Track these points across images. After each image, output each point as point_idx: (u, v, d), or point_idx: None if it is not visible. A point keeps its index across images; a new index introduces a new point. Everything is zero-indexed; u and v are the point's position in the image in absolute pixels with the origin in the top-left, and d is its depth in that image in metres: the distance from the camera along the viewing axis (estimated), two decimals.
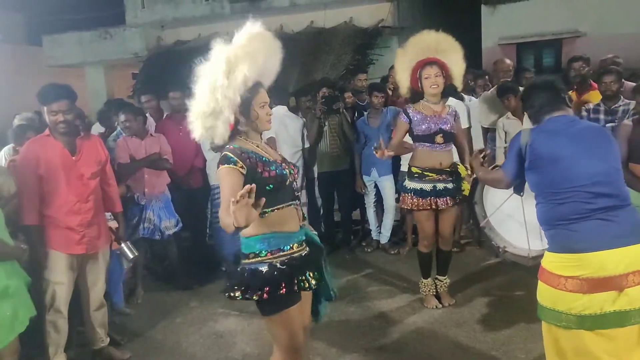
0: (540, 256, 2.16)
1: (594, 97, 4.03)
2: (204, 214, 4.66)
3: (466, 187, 3.46)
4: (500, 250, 3.23)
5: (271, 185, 2.01)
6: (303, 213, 2.20)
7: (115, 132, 4.39)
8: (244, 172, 1.97)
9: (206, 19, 10.78)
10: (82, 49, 12.66)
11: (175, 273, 4.32)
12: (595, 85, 4.05)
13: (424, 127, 3.37)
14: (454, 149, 3.53)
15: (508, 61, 4.64)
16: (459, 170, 3.43)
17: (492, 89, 4.49)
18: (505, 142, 4.20)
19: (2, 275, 2.37)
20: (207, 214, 4.65)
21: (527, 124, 4.10)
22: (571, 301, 1.94)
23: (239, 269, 2.07)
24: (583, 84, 4.30)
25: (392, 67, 5.63)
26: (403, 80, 3.41)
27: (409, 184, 3.48)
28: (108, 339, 3.16)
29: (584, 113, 3.81)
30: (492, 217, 3.23)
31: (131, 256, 3.38)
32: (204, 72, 2.00)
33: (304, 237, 2.15)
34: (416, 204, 3.43)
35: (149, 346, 3.37)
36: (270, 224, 2.04)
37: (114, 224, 3.31)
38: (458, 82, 3.42)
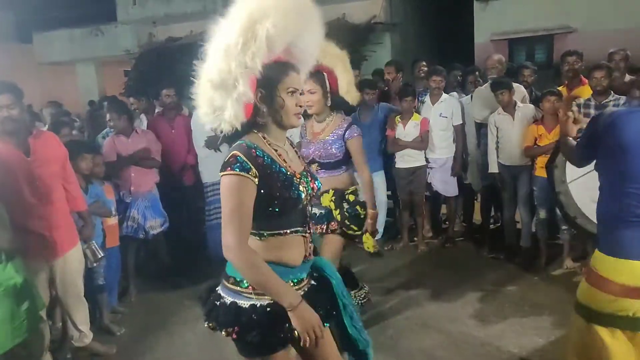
0: None
1: (585, 92, 4.05)
2: (197, 212, 4.65)
3: (369, 243, 2.97)
4: (572, 219, 2.86)
5: (277, 209, 1.58)
6: (312, 244, 1.75)
7: (104, 131, 4.37)
8: (257, 183, 1.53)
9: (198, 16, 10.72)
10: (73, 46, 12.57)
11: (167, 272, 4.31)
12: (586, 80, 4.07)
13: (302, 149, 2.85)
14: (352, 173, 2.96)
15: (497, 57, 4.65)
16: (346, 197, 2.81)
17: (485, 85, 4.50)
18: (497, 138, 4.22)
19: (17, 271, 2.38)
20: (200, 211, 4.64)
21: (518, 120, 4.13)
22: (606, 302, 1.85)
23: (213, 293, 1.69)
24: (574, 79, 4.32)
25: (386, 64, 5.66)
26: None
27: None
28: (91, 335, 3.12)
29: (575, 108, 3.81)
30: (572, 183, 2.85)
31: (97, 257, 3.21)
32: (221, 29, 1.53)
33: (305, 275, 1.70)
34: None
35: (142, 345, 3.36)
36: (266, 250, 1.60)
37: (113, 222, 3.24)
38: (350, 97, 2.79)
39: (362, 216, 2.78)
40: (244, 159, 1.52)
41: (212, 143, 4.44)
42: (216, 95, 1.51)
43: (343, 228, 2.77)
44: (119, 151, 3.98)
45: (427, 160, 4.63)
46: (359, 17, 9.46)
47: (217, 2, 10.63)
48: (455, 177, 4.64)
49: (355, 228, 2.78)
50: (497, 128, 4.22)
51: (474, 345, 3.05)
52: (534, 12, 8.86)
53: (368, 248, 3.02)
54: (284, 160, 1.63)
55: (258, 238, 1.61)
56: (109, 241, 3.60)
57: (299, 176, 1.64)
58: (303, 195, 1.61)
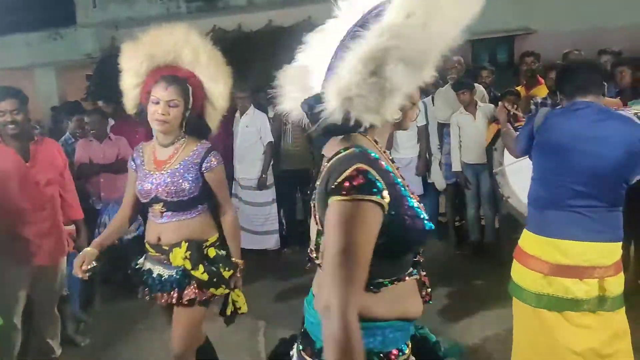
0: None
1: (542, 91, 4.20)
2: None
3: (240, 299, 2.31)
4: (504, 199, 3.17)
5: (405, 246, 1.17)
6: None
7: (64, 137, 4.27)
8: (387, 210, 1.08)
9: (162, 19, 10.47)
10: (31, 50, 12.20)
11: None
12: (542, 80, 4.23)
13: (139, 183, 2.18)
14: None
15: (456, 58, 4.78)
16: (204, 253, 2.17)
17: (446, 85, 4.60)
18: (460, 137, 4.33)
19: None
20: None
21: (479, 119, 4.25)
22: (533, 280, 2.07)
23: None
24: (532, 79, 4.47)
25: None
26: (130, 94, 2.21)
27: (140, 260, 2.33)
28: (60, 349, 3.06)
29: (532, 107, 3.97)
30: (509, 167, 3.10)
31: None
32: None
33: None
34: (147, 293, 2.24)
35: (109, 354, 3.30)
36: (386, 305, 1.17)
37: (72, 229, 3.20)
38: (214, 122, 2.30)
39: (228, 277, 2.18)
40: (376, 176, 1.07)
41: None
42: (364, 91, 1.10)
43: (203, 290, 2.12)
44: (90, 156, 3.90)
45: (391, 160, 4.70)
46: (324, 19, 9.45)
47: (181, 6, 10.51)
48: (420, 177, 4.74)
49: (216, 290, 2.16)
50: (459, 127, 4.32)
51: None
52: (495, 14, 9.09)
53: (240, 308, 2.29)
54: (400, 176, 1.23)
55: (374, 290, 1.15)
56: (70, 247, 3.52)
57: (417, 198, 1.21)
58: (428, 225, 1.15)
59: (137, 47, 2.16)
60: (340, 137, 1.16)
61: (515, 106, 3.69)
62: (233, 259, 2.22)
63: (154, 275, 2.18)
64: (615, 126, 2.02)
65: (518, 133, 2.44)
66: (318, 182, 1.15)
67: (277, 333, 3.21)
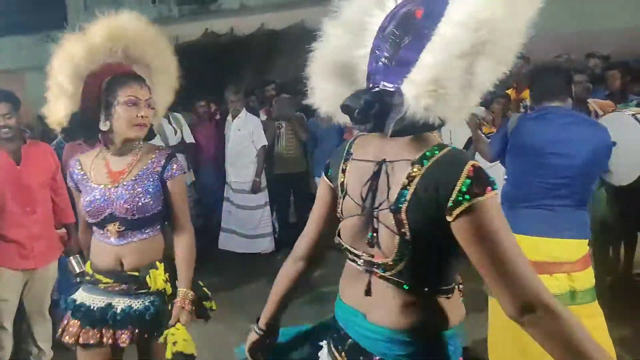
0: None
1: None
2: None
3: (180, 335, 1.80)
4: None
5: None
6: None
7: (55, 140, 4.24)
8: None
9: (154, 22, 10.52)
10: (22, 53, 12.13)
11: None
12: None
13: (86, 200, 1.82)
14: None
15: None
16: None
17: None
18: (451, 140, 4.36)
19: None
20: None
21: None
22: None
23: None
24: (522, 82, 4.51)
25: None
26: (60, 101, 1.75)
27: (77, 295, 1.90)
28: (52, 353, 3.04)
29: (522, 110, 4.01)
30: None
31: (78, 270, 3.20)
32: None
33: None
34: (77, 335, 1.83)
35: None
36: (455, 308, 1.17)
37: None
38: (157, 122, 1.98)
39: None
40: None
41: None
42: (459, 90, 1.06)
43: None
44: None
45: None
46: (317, 22, 9.49)
47: (173, 9, 10.51)
48: None
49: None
50: (450, 130, 4.36)
51: None
52: None
53: (185, 349, 1.78)
54: None
55: (448, 296, 1.13)
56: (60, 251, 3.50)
57: None
58: None
59: (77, 42, 1.75)
60: (409, 137, 1.10)
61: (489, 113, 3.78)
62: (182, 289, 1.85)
63: (117, 310, 1.77)
64: (582, 129, 2.21)
65: (491, 138, 2.61)
66: (392, 190, 1.08)
67: None
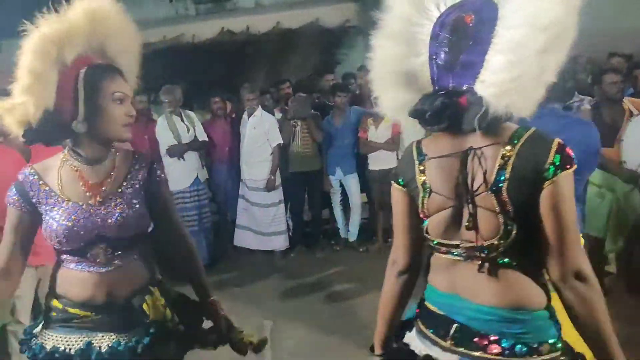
0: None
1: None
2: None
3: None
4: None
5: None
6: None
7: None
8: None
9: (171, 21, 10.63)
10: None
11: None
12: None
13: (61, 223, 1.47)
14: None
15: None
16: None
17: None
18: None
19: None
20: None
21: None
22: None
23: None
24: None
25: (359, 68, 5.73)
26: (38, 85, 1.41)
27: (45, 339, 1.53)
28: None
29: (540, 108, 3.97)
30: None
31: None
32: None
33: None
34: None
35: None
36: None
37: None
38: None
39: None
40: None
41: (176, 151, 4.47)
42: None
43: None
44: None
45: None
46: (332, 21, 9.54)
47: (190, 7, 10.57)
48: None
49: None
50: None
51: None
52: None
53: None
54: None
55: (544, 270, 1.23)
56: None
57: None
58: None
59: (56, 22, 1.44)
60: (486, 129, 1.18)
61: None
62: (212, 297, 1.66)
63: (101, 348, 1.47)
64: (576, 129, 2.20)
65: None
66: (488, 172, 1.16)
67: (283, 332, 3.23)
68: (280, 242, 4.87)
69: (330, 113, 4.90)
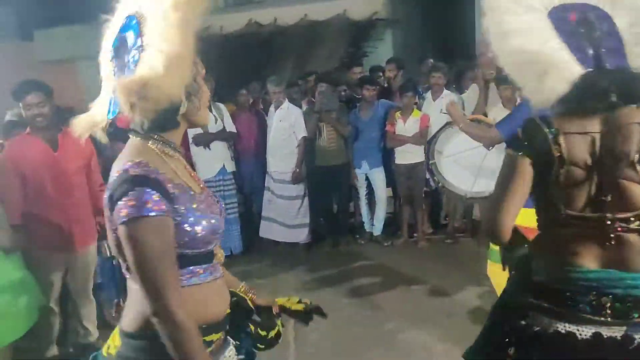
0: (475, 198, 3.05)
1: None
2: None
3: None
4: (438, 185, 3.62)
5: None
6: None
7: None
8: None
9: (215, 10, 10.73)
10: (75, 43, 12.57)
11: None
12: None
13: (205, 221, 1.19)
14: None
15: (491, 54, 4.67)
16: None
17: (473, 84, 4.53)
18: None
19: (15, 267, 2.41)
20: None
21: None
22: None
23: None
24: None
25: (387, 61, 5.67)
26: (187, 58, 1.19)
27: None
28: (97, 333, 3.16)
29: (519, 100, 3.88)
30: (440, 161, 3.58)
31: (108, 254, 3.19)
32: None
33: None
34: None
35: None
36: None
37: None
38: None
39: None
40: None
41: (201, 140, 4.51)
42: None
43: None
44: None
45: None
46: (360, 13, 9.45)
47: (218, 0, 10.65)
48: None
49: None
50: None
51: (471, 341, 3.07)
52: None
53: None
54: None
55: None
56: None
57: None
58: None
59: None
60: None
61: None
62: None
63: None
64: None
65: (500, 123, 2.85)
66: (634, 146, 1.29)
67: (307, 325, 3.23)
68: (304, 235, 4.88)
69: (358, 106, 4.86)
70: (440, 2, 11.30)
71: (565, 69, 1.31)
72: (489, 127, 3.01)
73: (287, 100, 4.79)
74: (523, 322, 1.40)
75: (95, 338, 3.15)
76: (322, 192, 4.99)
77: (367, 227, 5.01)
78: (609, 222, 1.31)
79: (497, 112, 4.22)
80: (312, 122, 4.75)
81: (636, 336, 1.31)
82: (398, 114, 4.57)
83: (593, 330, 1.32)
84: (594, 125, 1.33)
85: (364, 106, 4.77)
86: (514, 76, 1.39)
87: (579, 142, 1.33)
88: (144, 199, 1.06)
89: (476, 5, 9.41)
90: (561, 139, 1.33)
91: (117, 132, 1.24)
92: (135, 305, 1.17)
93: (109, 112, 1.18)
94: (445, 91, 4.61)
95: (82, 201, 2.95)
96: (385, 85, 5.27)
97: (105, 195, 1.13)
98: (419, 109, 4.64)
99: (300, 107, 4.95)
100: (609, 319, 1.31)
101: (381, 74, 5.45)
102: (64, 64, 13.05)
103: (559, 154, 1.33)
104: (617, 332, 1.31)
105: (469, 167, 3.42)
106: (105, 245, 3.19)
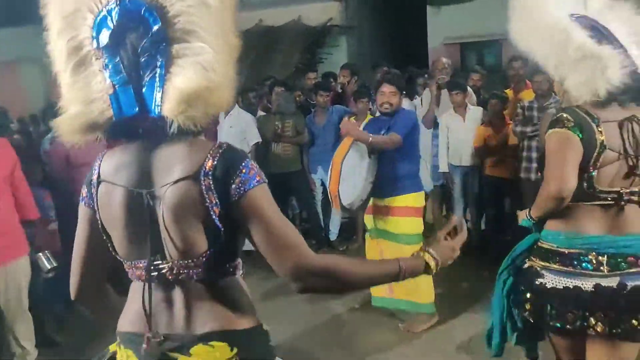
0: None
1: (528, 95, 4.24)
2: None
3: None
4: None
5: None
6: None
7: (50, 135, 4.20)
8: None
9: None
10: (17, 44, 12.02)
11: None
12: (530, 84, 4.27)
13: None
14: None
15: (444, 60, 4.82)
16: None
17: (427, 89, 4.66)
18: (448, 139, 4.35)
19: None
20: None
21: (468, 121, 4.27)
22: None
23: None
24: (520, 83, 4.51)
25: (342, 67, 5.72)
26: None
27: None
28: (36, 352, 2.97)
29: (519, 110, 4.01)
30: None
31: (48, 266, 2.95)
32: None
33: None
34: None
35: (94, 351, 3.25)
36: None
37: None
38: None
39: None
40: None
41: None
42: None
43: None
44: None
45: None
46: (315, 19, 9.52)
47: None
48: None
49: None
50: (448, 129, 4.34)
51: (426, 339, 3.14)
52: (484, 18, 9.16)
53: None
54: None
55: None
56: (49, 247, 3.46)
57: None
58: None
59: None
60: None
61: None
62: None
63: None
64: None
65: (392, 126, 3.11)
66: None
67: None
68: None
69: (313, 112, 4.87)
70: (393, 10, 11.55)
71: (621, 65, 1.60)
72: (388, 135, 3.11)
73: (237, 105, 4.73)
74: (537, 282, 1.72)
75: (33, 357, 2.95)
76: (277, 198, 4.94)
77: (322, 232, 5.02)
78: (625, 194, 1.66)
79: (449, 117, 4.36)
80: (269, 126, 4.71)
81: (628, 283, 1.63)
82: (352, 119, 4.61)
83: (594, 283, 1.64)
84: (623, 115, 1.65)
85: (318, 112, 4.79)
86: (560, 71, 1.68)
87: (613, 129, 1.65)
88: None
89: (428, 14, 9.70)
90: (602, 127, 1.63)
91: (115, 132, 1.21)
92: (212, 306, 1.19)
93: (118, 110, 1.12)
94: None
95: (6, 212, 2.72)
96: (340, 91, 5.32)
97: (212, 172, 1.11)
98: (373, 114, 4.70)
99: (256, 112, 4.91)
100: (605, 272, 1.65)
101: (332, 80, 5.48)
102: (6, 66, 12.44)
103: (602, 139, 1.63)
104: (612, 282, 1.64)
105: (346, 178, 3.38)
106: (43, 258, 2.94)
